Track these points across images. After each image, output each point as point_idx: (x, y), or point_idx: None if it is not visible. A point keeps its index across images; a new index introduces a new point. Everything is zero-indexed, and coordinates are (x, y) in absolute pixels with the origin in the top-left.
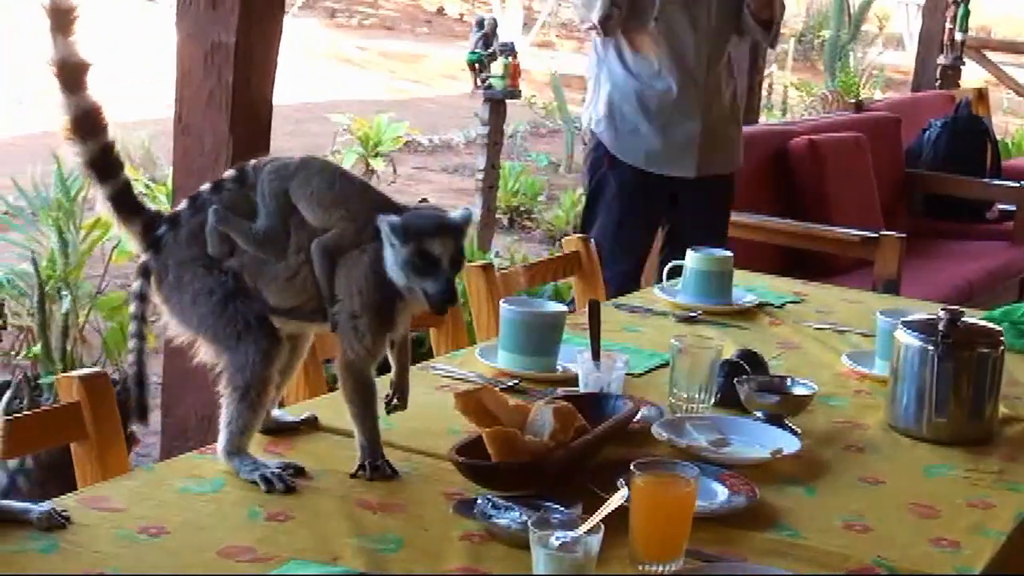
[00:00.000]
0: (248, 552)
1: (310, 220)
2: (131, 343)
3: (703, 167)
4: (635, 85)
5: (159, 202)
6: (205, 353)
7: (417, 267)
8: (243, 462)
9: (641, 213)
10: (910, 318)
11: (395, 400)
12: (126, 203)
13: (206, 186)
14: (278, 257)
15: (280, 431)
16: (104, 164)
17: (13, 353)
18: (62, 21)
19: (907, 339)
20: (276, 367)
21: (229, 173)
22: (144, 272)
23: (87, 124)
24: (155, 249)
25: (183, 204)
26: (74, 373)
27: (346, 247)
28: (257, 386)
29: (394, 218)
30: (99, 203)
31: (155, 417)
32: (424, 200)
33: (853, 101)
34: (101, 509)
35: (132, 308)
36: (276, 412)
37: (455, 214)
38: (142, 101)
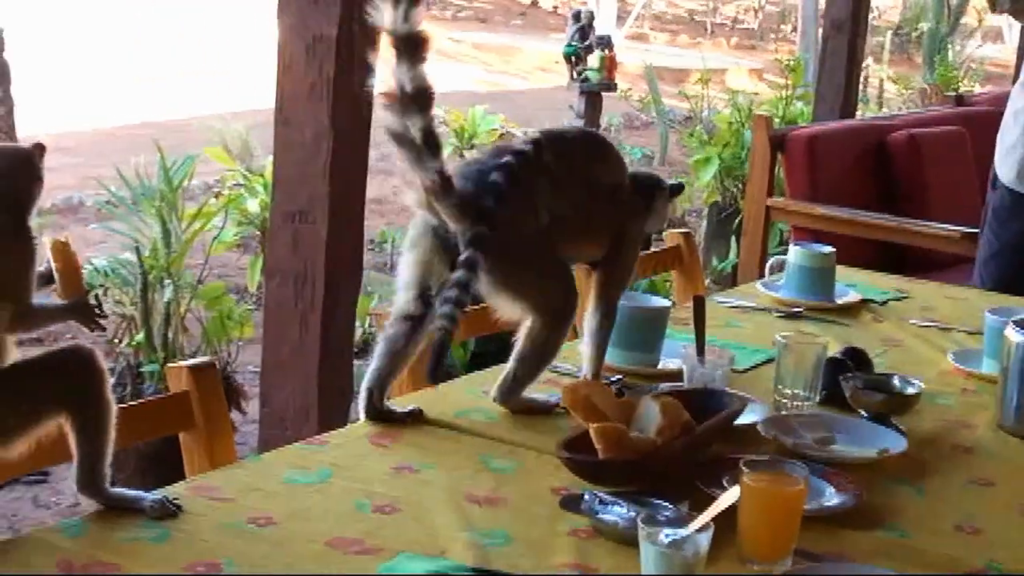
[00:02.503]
0: (356, 544)
1: (607, 180)
2: (445, 308)
3: None
4: (1022, 100)
5: (256, 193)
6: (510, 309)
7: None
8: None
9: (1017, 235)
10: (1021, 316)
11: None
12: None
13: (509, 157)
14: (582, 220)
15: (387, 421)
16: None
17: (116, 341)
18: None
19: (1018, 337)
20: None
21: (523, 145)
22: (478, 242)
23: (421, 99)
24: (487, 222)
25: (500, 176)
26: (183, 363)
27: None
28: (556, 346)
29: (672, 182)
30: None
31: (253, 406)
32: None
33: (953, 95)
34: (211, 498)
35: (458, 274)
36: (387, 401)
37: None
38: (240, 93)
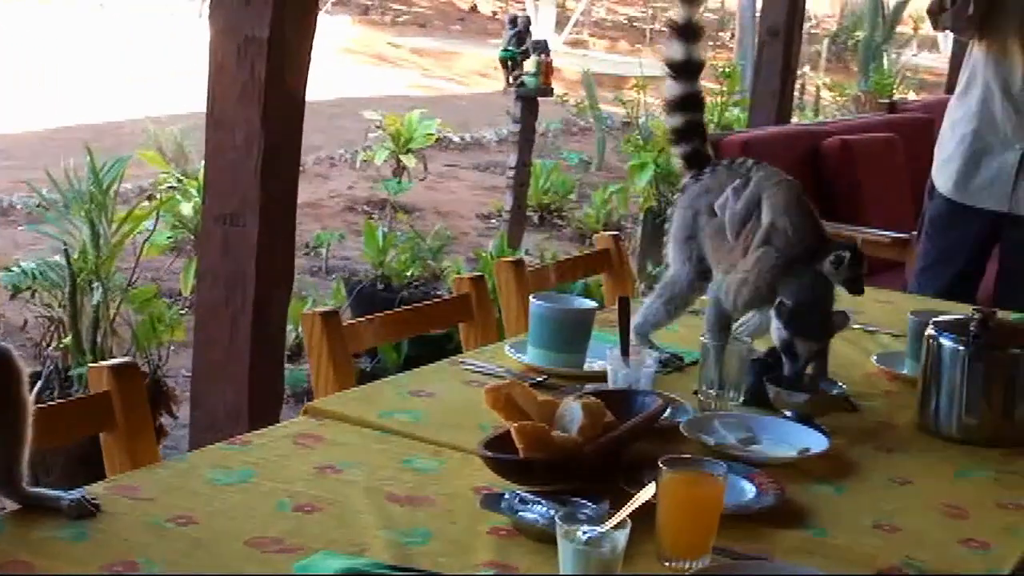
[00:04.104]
0: (276, 543)
1: (764, 219)
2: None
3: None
4: (960, 110)
5: (190, 196)
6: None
7: (785, 348)
8: None
9: (954, 243)
10: (941, 318)
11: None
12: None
13: (726, 161)
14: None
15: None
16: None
17: (44, 344)
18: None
19: (938, 339)
20: (695, 297)
21: (751, 160)
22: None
23: (688, 69)
24: (695, 176)
25: (709, 170)
26: (104, 363)
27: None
28: (676, 301)
29: (788, 303)
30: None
31: (184, 411)
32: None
33: (886, 102)
34: (131, 498)
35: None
36: None
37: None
38: (177, 96)
